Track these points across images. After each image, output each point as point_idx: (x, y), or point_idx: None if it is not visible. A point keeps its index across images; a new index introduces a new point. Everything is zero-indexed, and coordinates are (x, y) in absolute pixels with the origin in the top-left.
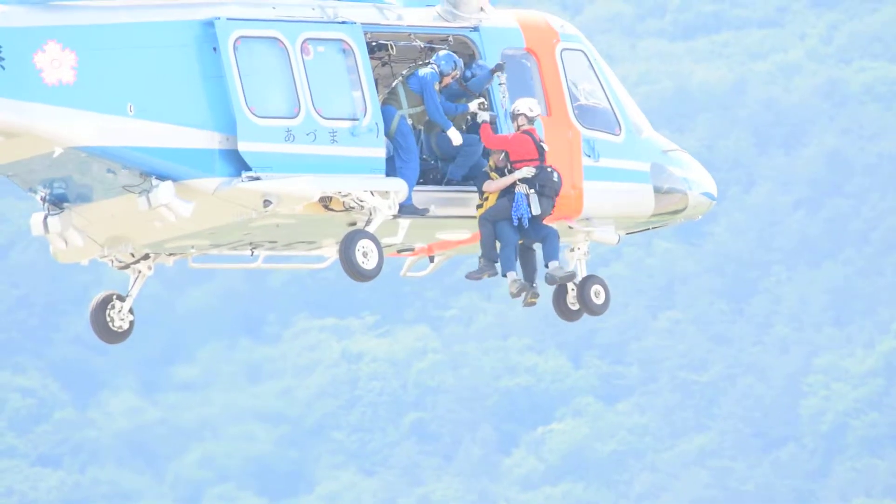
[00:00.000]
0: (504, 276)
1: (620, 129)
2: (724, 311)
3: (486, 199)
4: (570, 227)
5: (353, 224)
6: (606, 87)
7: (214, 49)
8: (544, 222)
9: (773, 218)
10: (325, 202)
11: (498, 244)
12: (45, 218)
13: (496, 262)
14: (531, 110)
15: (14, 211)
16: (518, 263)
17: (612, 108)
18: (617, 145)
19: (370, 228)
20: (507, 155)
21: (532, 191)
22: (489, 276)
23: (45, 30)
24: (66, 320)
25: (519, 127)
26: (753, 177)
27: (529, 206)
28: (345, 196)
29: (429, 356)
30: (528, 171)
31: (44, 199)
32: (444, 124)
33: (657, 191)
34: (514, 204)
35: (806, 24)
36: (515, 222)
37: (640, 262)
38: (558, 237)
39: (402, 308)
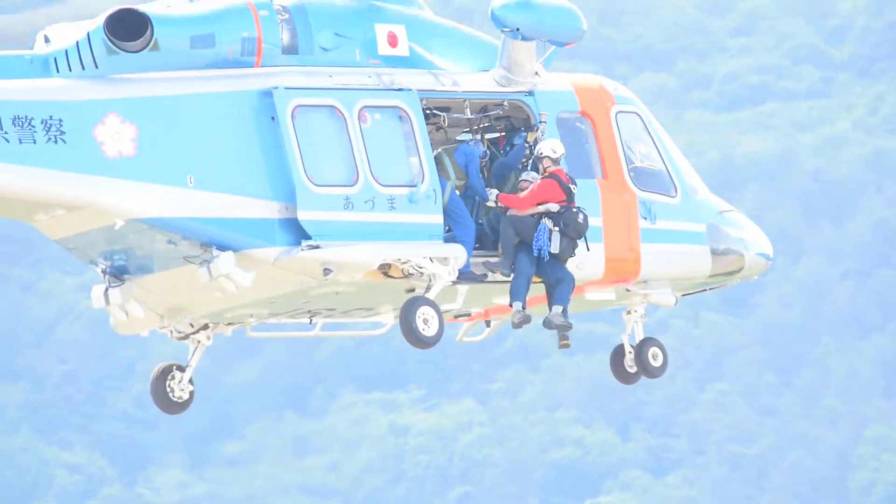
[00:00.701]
0: (510, 304)
1: (676, 190)
2: (771, 382)
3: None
4: (628, 290)
5: (412, 290)
6: (661, 148)
7: (273, 118)
8: (566, 266)
9: (822, 289)
10: (385, 269)
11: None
12: (106, 290)
13: (513, 264)
14: (554, 151)
15: (60, 286)
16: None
17: (668, 170)
18: (673, 207)
19: (430, 295)
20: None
21: (556, 228)
22: (502, 274)
23: (105, 103)
24: (113, 396)
25: (545, 169)
26: (801, 248)
27: (550, 241)
28: (404, 263)
29: (475, 429)
30: (553, 206)
31: (104, 272)
32: (485, 196)
33: (714, 252)
34: (537, 233)
35: (852, 95)
36: (535, 252)
37: (687, 334)
38: (573, 285)
39: (448, 381)
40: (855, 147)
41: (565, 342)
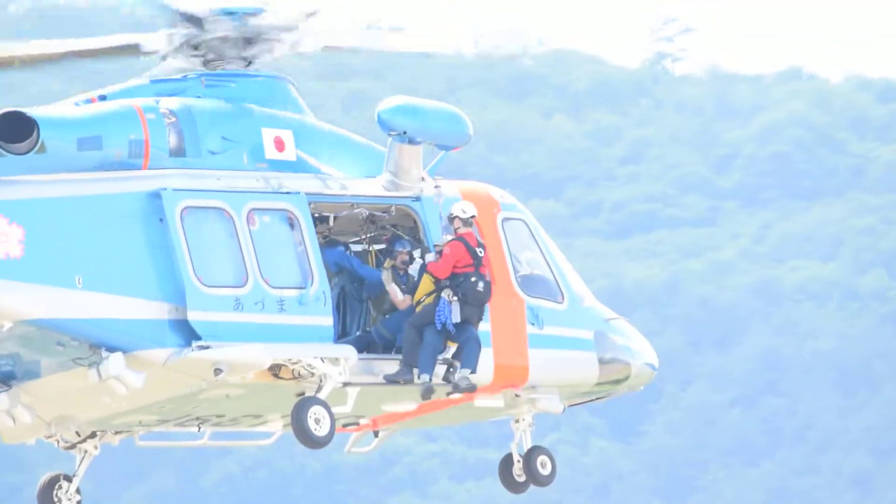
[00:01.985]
0: (419, 376)
1: (563, 296)
2: None
3: (420, 303)
4: (517, 396)
5: (302, 394)
6: (547, 255)
7: (161, 220)
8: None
9: (709, 416)
10: (275, 371)
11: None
12: None
13: (414, 368)
14: (464, 212)
15: None
16: (433, 367)
17: (554, 276)
18: (560, 313)
19: (321, 395)
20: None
21: (455, 298)
22: (403, 383)
23: None
24: None
25: (455, 230)
26: (689, 374)
27: (451, 313)
28: (295, 363)
29: None
30: (430, 258)
31: None
32: (378, 277)
33: (601, 360)
34: (437, 309)
35: (738, 224)
36: (439, 326)
37: (575, 461)
38: (479, 347)
39: None
40: (741, 275)
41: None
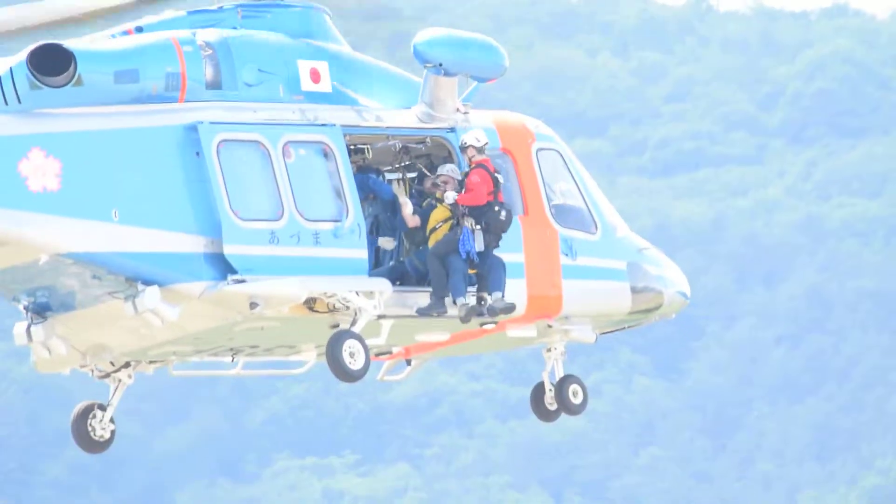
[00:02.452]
0: (454, 301)
1: (597, 227)
2: (705, 448)
3: (435, 229)
4: (549, 326)
5: (336, 326)
6: (582, 186)
7: (198, 153)
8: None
9: (754, 354)
10: (310, 304)
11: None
12: (29, 327)
13: (446, 298)
14: (478, 140)
15: None
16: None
17: (588, 207)
18: (594, 244)
19: (356, 329)
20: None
21: (478, 227)
22: (437, 315)
23: (28, 138)
24: (45, 463)
25: (470, 159)
26: (734, 312)
27: (475, 241)
28: (330, 297)
29: (410, 494)
30: (450, 197)
31: (27, 308)
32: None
33: (633, 289)
34: (461, 238)
35: (784, 162)
36: (464, 256)
37: (620, 400)
38: (505, 268)
39: (382, 446)
40: (787, 212)
41: (490, 322)
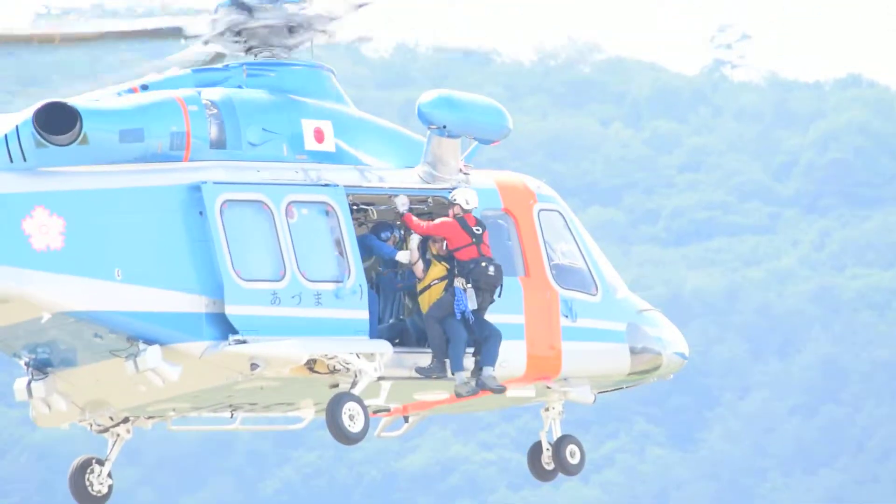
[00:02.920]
0: (452, 374)
1: (597, 289)
2: None
3: (430, 287)
4: (548, 388)
5: (336, 386)
6: (583, 247)
7: (201, 213)
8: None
9: (769, 424)
10: (310, 364)
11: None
12: (29, 383)
13: (445, 361)
14: (467, 202)
15: (4, 419)
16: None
17: (589, 269)
18: (594, 305)
19: (356, 391)
20: (445, 244)
21: (469, 285)
22: (436, 378)
23: (33, 196)
24: None
25: (454, 216)
26: (748, 383)
27: (467, 299)
28: (331, 359)
29: None
30: (402, 204)
31: (28, 364)
32: (388, 252)
33: (632, 350)
34: (454, 300)
35: (798, 232)
36: (459, 316)
37: (633, 469)
38: (500, 340)
39: None
40: (801, 283)
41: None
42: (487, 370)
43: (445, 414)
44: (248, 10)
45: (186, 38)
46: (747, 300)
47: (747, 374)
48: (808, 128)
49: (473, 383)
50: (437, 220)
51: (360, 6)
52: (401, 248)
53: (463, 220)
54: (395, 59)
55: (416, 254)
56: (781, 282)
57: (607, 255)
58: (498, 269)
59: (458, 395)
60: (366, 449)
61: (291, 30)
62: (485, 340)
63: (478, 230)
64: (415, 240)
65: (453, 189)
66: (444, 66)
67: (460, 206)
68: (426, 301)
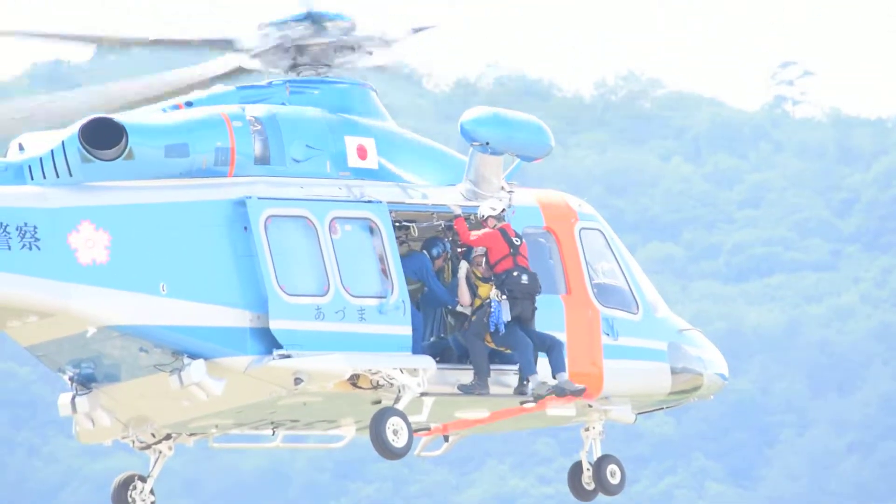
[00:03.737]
0: (527, 380)
1: (638, 307)
2: None
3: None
4: (589, 406)
5: (378, 402)
6: (623, 266)
7: (245, 228)
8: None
9: (828, 461)
10: (354, 380)
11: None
12: (73, 398)
13: (488, 377)
14: (493, 209)
15: (65, 450)
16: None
17: (630, 287)
18: (635, 324)
19: (399, 406)
20: (486, 259)
21: (504, 297)
22: (479, 394)
23: (79, 210)
24: None
25: (493, 227)
26: (807, 419)
27: (501, 311)
28: (374, 374)
29: None
30: (463, 267)
31: (72, 379)
32: (449, 301)
33: (673, 370)
34: (491, 312)
35: (859, 268)
36: (492, 328)
37: None
38: (564, 349)
39: None
40: (862, 319)
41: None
42: (561, 375)
43: (485, 433)
44: (321, 27)
45: (237, 50)
46: (807, 336)
47: (807, 411)
48: (870, 164)
49: (550, 384)
50: (480, 232)
51: (418, 31)
52: (442, 259)
53: (504, 231)
54: (456, 93)
55: (465, 290)
56: (842, 319)
57: (666, 291)
58: (533, 277)
59: (538, 397)
60: (423, 482)
61: (341, 49)
62: (549, 350)
63: (516, 241)
64: (462, 280)
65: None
66: (503, 99)
67: (492, 217)
68: None
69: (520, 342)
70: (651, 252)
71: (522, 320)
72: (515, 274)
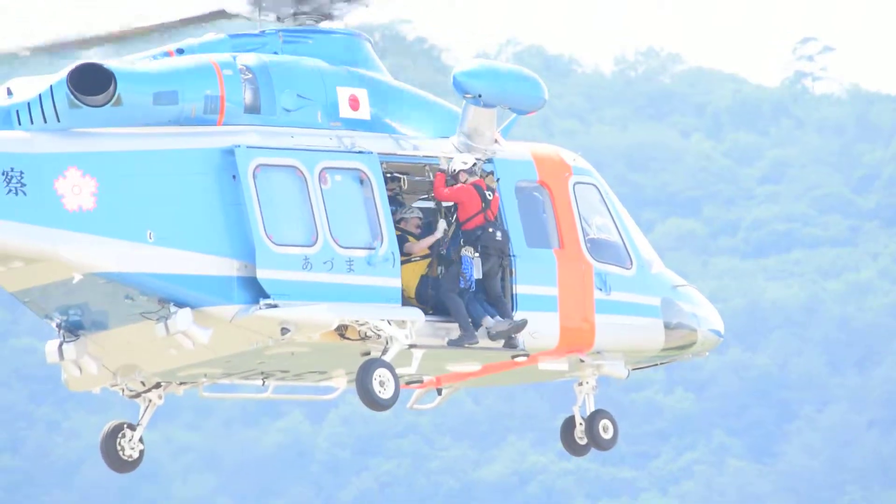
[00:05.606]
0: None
1: (632, 263)
2: None
3: (410, 260)
4: (581, 361)
5: (367, 354)
6: (618, 221)
7: (234, 177)
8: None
9: (847, 438)
10: (341, 331)
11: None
12: (61, 345)
13: (475, 329)
14: (465, 163)
15: (86, 426)
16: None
17: (624, 243)
18: (628, 279)
19: (387, 357)
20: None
21: (476, 254)
22: (468, 346)
23: (65, 156)
24: None
25: (465, 182)
26: (827, 396)
27: (473, 268)
28: (362, 325)
29: None
30: (441, 228)
31: (59, 326)
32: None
33: (667, 326)
34: (462, 268)
35: (878, 244)
36: (463, 284)
37: (711, 481)
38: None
39: None
40: (880, 295)
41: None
42: (487, 320)
43: (478, 386)
44: None
45: (231, 17)
46: (826, 313)
47: (826, 388)
48: (889, 141)
49: (506, 323)
50: (458, 187)
51: None
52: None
53: (478, 186)
54: None
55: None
56: (861, 295)
57: (686, 267)
58: (505, 234)
59: (497, 335)
60: (443, 458)
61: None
62: (496, 300)
63: (489, 195)
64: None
65: (488, 160)
66: None
67: (463, 172)
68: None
69: (469, 300)
70: (671, 228)
71: (489, 276)
72: (490, 230)
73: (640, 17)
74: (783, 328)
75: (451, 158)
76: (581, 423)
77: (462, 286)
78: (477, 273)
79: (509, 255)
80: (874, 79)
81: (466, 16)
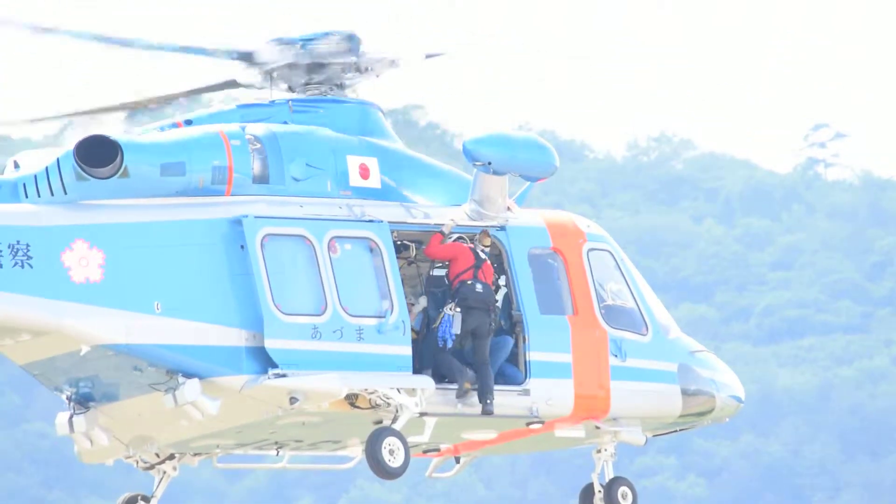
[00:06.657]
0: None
1: (647, 329)
2: None
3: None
4: (598, 428)
5: (380, 422)
6: (633, 287)
7: (242, 247)
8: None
9: None
10: (352, 399)
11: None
12: (71, 417)
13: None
14: (453, 222)
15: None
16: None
17: (639, 308)
18: (644, 345)
19: (396, 426)
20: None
21: (458, 309)
22: (471, 387)
23: (72, 228)
24: None
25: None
26: (839, 483)
27: (452, 324)
28: (371, 393)
29: None
30: (420, 304)
31: (69, 399)
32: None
33: (685, 392)
34: (440, 325)
35: (891, 330)
36: (440, 343)
37: None
38: (490, 374)
39: None
40: (894, 382)
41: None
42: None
43: (496, 454)
44: (356, 46)
45: (243, 86)
46: (839, 400)
47: (839, 475)
48: None
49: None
50: (448, 243)
51: (430, 56)
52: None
53: (475, 250)
54: None
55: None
56: (874, 381)
57: None
58: (486, 287)
59: (463, 392)
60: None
61: (357, 69)
62: (476, 369)
63: (483, 255)
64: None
65: (500, 228)
66: None
67: (442, 233)
68: None
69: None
70: (683, 313)
71: (478, 335)
72: (469, 283)
73: (653, 102)
74: (796, 414)
75: (479, 226)
76: (600, 491)
77: (440, 344)
78: (456, 328)
79: (495, 311)
80: (886, 165)
81: (478, 101)
